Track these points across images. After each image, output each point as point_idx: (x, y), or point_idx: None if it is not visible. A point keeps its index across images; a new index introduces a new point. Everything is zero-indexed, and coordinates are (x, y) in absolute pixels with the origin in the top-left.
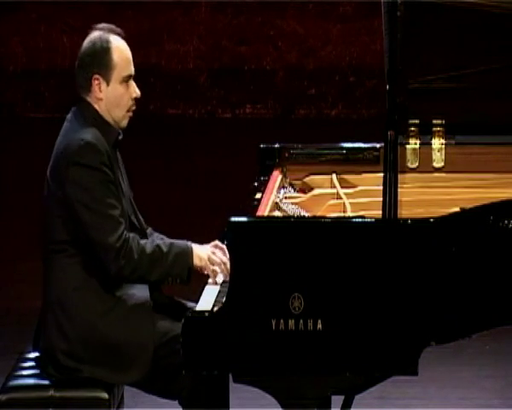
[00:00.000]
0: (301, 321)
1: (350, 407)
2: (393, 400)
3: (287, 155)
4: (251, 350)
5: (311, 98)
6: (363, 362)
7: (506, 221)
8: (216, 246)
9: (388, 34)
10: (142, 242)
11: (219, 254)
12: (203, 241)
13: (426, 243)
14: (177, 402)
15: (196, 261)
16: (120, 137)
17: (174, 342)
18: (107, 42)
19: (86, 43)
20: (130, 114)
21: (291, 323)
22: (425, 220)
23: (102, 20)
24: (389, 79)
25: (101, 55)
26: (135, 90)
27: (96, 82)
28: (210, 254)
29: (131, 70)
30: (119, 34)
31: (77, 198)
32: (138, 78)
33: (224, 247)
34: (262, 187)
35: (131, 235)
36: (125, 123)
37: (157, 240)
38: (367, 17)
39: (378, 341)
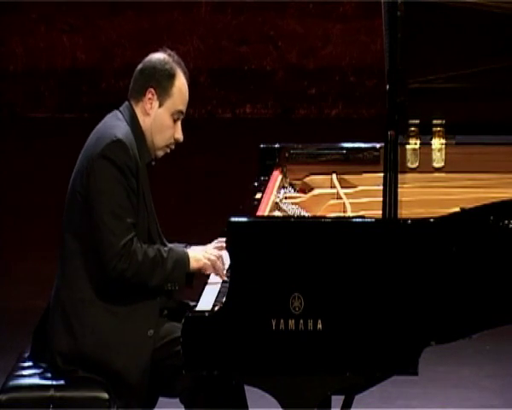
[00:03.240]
0: (301, 321)
1: (350, 407)
2: (393, 400)
3: (287, 155)
4: (251, 350)
5: (311, 98)
6: (364, 362)
7: (506, 221)
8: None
9: (388, 34)
10: (145, 246)
11: (214, 251)
12: (203, 241)
13: (426, 243)
14: (177, 402)
15: (194, 265)
16: (153, 164)
17: (174, 344)
18: (175, 71)
19: (155, 57)
20: (168, 150)
21: (291, 323)
22: (425, 220)
23: (103, 19)
24: (389, 79)
25: (164, 77)
26: (179, 132)
27: (150, 95)
28: (205, 254)
29: (184, 109)
30: (185, 74)
31: (97, 189)
32: None
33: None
34: (262, 187)
35: (135, 238)
36: (160, 154)
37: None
38: (367, 17)
39: (378, 341)
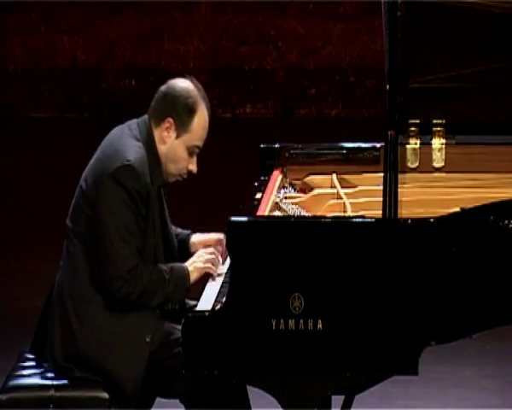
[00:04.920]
0: (301, 321)
1: (350, 407)
2: (393, 400)
3: (287, 155)
4: (251, 350)
5: (311, 98)
6: (364, 362)
7: (506, 221)
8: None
9: (388, 34)
10: (149, 268)
11: (208, 255)
12: None
13: (426, 243)
14: (177, 402)
15: (194, 277)
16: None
17: (174, 345)
18: (197, 107)
19: (180, 85)
20: (180, 178)
21: (291, 323)
22: (425, 220)
23: (103, 20)
24: (389, 79)
25: (185, 111)
26: (194, 165)
27: (168, 125)
28: (202, 258)
29: (201, 144)
30: (207, 108)
31: (106, 207)
32: (138, 78)
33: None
34: (262, 187)
35: (140, 264)
36: (171, 180)
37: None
38: (367, 17)
39: (378, 341)
